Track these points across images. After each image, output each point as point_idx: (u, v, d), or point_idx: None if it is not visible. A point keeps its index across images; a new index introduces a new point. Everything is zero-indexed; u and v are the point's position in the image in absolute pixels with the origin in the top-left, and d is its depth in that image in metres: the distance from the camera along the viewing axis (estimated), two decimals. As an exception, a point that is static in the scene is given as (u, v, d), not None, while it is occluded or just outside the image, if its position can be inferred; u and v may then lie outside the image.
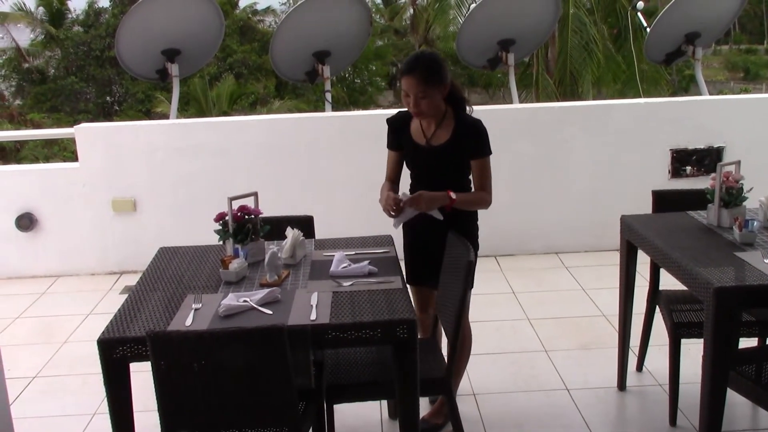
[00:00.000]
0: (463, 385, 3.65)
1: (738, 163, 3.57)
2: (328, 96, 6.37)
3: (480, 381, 3.84)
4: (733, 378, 2.96)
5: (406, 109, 3.32)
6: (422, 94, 3.11)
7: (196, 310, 2.68)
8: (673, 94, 18.54)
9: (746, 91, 33.96)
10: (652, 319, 3.77)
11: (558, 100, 13.87)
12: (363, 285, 2.89)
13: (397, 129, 3.36)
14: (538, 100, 14.70)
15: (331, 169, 5.78)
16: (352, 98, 35.17)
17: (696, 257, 3.10)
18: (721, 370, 2.86)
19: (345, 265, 3.05)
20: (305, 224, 3.56)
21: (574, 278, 5.32)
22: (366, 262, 3.05)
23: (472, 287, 3.35)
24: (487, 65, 6.62)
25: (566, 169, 5.86)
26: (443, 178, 3.27)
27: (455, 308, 2.93)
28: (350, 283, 2.91)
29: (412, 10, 48.79)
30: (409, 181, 3.41)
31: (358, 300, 2.75)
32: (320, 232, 3.74)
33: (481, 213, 5.86)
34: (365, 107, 35.62)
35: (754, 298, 2.93)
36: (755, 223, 3.24)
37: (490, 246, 5.84)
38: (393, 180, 3.43)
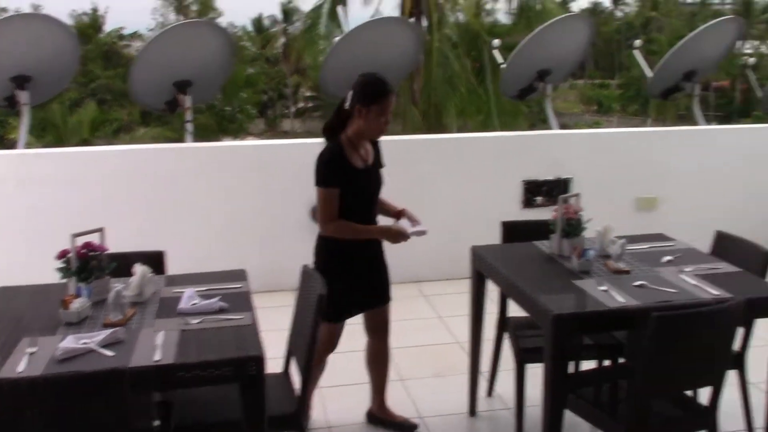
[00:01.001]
0: (318, 418, 3.65)
1: (578, 195, 3.79)
2: (189, 126, 6.27)
3: (336, 413, 3.85)
4: (572, 401, 3.12)
5: (331, 144, 3.33)
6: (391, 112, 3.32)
7: (30, 354, 2.55)
8: (532, 126, 19.45)
9: (598, 124, 36.12)
10: (500, 345, 3.92)
11: (424, 131, 14.26)
12: (212, 322, 2.84)
13: (340, 163, 3.31)
14: (405, 132, 15.04)
15: (191, 201, 5.67)
16: (221, 126, 34.69)
17: (538, 285, 3.27)
18: (559, 393, 3.01)
19: (195, 301, 3.00)
20: (155, 260, 3.47)
21: (432, 307, 5.45)
22: (217, 298, 3.01)
23: (390, 300, 3.61)
24: (350, 98, 6.72)
25: (427, 201, 5.96)
26: (377, 196, 3.49)
27: (307, 340, 2.95)
28: (199, 320, 2.86)
29: (284, 39, 48.93)
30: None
31: (206, 337, 2.70)
32: (175, 268, 3.65)
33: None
34: (235, 136, 35.22)
35: (588, 324, 3.12)
36: (591, 252, 3.45)
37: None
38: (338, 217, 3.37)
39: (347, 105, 3.28)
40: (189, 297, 3.02)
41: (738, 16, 7.77)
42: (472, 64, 16.91)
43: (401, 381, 4.25)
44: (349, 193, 3.32)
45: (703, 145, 6.46)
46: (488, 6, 23.28)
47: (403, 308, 5.40)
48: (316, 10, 16.80)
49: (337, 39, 6.95)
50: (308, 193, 5.69)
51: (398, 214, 3.59)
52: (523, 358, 3.54)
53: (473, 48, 16.88)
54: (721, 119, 40.14)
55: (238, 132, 38.02)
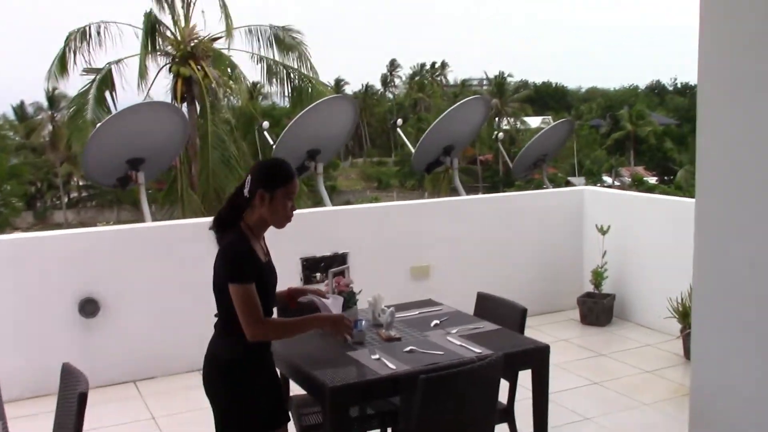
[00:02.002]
0: None
1: (347, 268, 3.88)
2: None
3: None
4: (355, 472, 3.13)
5: (237, 235, 2.95)
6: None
7: None
8: (317, 203, 19.82)
9: (377, 200, 37.73)
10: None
11: (204, 215, 14.02)
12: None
13: (251, 255, 2.94)
14: (184, 216, 14.71)
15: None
16: (-17, 222, 31.93)
17: (314, 361, 3.29)
18: (341, 467, 3.01)
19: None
20: None
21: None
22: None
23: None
24: (118, 184, 6.48)
25: (204, 285, 5.81)
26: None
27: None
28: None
29: (51, 127, 46.43)
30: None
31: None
32: None
33: (117, 337, 5.62)
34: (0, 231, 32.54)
35: (363, 393, 3.17)
36: (363, 323, 3.54)
37: (128, 371, 5.59)
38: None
39: (246, 191, 2.97)
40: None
41: (484, 96, 8.55)
42: (249, 147, 17.05)
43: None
44: (257, 289, 2.91)
45: (466, 214, 6.91)
46: (264, 89, 23.73)
47: (188, 397, 5.20)
48: (83, 95, 16.18)
49: (99, 125, 6.72)
50: (73, 285, 5.41)
51: (289, 296, 3.34)
52: (305, 436, 3.51)
53: (249, 131, 17.06)
54: (487, 189, 43.53)
55: (3, 227, 35.21)
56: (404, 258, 6.57)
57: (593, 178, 41.67)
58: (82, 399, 2.80)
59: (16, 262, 5.30)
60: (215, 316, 3.08)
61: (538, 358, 3.48)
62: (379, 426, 3.80)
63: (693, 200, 2.98)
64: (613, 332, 6.52)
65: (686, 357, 5.64)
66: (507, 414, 3.79)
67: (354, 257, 6.26)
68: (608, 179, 44.12)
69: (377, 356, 3.28)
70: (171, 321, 5.73)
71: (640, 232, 6.69)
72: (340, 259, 6.27)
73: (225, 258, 2.93)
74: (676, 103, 58.76)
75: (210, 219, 3.12)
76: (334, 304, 3.32)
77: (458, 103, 7.60)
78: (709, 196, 2.92)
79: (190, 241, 5.88)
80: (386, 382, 3.09)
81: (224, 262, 2.93)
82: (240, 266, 2.89)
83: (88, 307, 5.41)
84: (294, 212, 3.02)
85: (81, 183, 44.87)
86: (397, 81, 73.23)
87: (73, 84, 18.12)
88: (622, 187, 37.38)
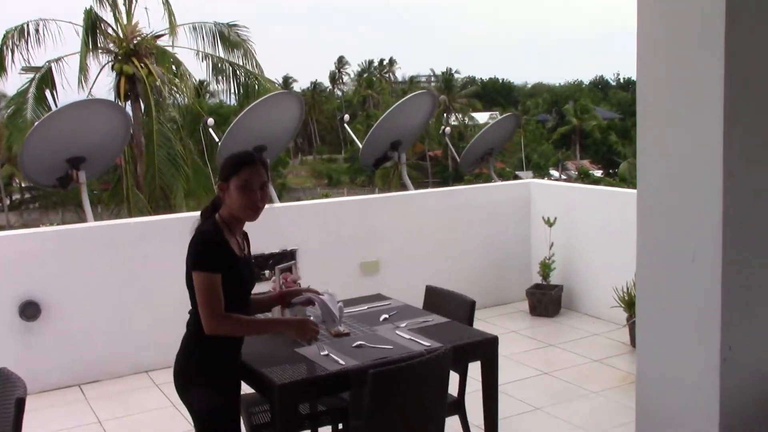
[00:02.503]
0: None
1: (293, 264, 3.85)
2: None
3: None
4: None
5: (208, 224, 2.92)
6: (263, 185, 2.92)
7: None
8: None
9: (327, 196, 37.65)
10: (235, 425, 3.79)
11: (150, 214, 13.79)
12: None
13: (221, 245, 2.87)
14: (130, 215, 14.45)
15: None
16: None
17: (261, 359, 3.23)
18: (290, 465, 2.97)
19: None
20: None
21: (165, 395, 5.17)
22: None
23: None
24: (58, 184, 6.30)
25: (150, 285, 5.74)
26: (250, 293, 3.09)
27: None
28: None
29: (-10, 128, 45.14)
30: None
31: None
32: None
33: (60, 341, 5.48)
34: (-63, 235, 31.44)
35: (312, 390, 3.14)
36: (311, 318, 3.50)
37: (72, 375, 5.46)
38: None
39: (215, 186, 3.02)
40: None
41: (431, 90, 8.57)
42: (196, 146, 16.85)
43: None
44: (229, 282, 2.86)
45: (415, 208, 6.93)
46: (211, 87, 23.46)
47: (133, 401, 5.12)
48: (22, 94, 15.75)
49: (36, 123, 6.52)
50: (12, 288, 5.25)
51: (280, 299, 3.33)
52: (255, 435, 3.46)
53: (196, 129, 16.86)
54: (437, 184, 43.77)
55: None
56: (353, 253, 6.55)
57: (541, 172, 42.22)
58: (20, 404, 2.71)
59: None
60: (189, 312, 3.04)
61: (487, 350, 3.49)
62: (330, 422, 3.78)
63: (635, 191, 3.02)
64: (562, 323, 6.61)
65: (632, 345, 5.74)
66: (458, 406, 3.79)
67: (303, 254, 6.22)
68: (555, 173, 44.76)
69: (326, 352, 3.25)
70: (115, 323, 5.61)
71: (585, 223, 6.79)
72: (289, 256, 6.22)
73: (193, 245, 2.90)
74: (619, 98, 59.85)
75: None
76: (330, 301, 3.34)
77: (405, 98, 7.59)
78: (649, 189, 2.96)
79: (135, 241, 5.78)
80: (335, 378, 3.06)
81: (192, 249, 2.90)
82: (205, 254, 2.84)
83: (29, 310, 5.26)
84: (261, 201, 2.95)
85: (23, 185, 43.74)
86: (345, 78, 73.18)
87: (12, 83, 17.66)
88: (569, 180, 37.99)
